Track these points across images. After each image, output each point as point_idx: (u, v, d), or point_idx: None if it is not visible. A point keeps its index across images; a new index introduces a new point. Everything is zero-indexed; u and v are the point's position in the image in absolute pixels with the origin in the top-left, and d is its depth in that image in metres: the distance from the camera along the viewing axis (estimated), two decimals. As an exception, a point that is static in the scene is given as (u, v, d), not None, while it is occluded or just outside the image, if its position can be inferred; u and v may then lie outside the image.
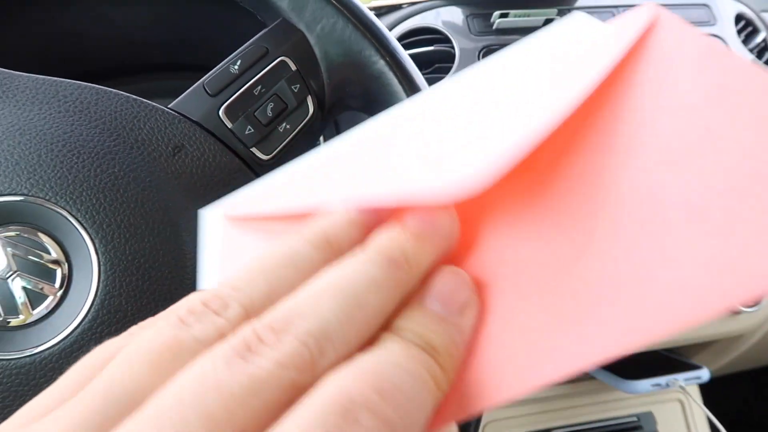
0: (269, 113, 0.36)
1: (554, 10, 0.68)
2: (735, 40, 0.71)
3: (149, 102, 0.35)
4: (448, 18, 0.68)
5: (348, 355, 0.15)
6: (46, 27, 0.62)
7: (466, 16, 0.68)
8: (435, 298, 0.17)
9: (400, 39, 0.68)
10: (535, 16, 0.68)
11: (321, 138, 0.77)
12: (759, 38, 0.73)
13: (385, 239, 0.17)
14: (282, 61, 0.37)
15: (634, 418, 0.77)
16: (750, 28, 0.74)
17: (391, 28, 0.68)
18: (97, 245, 0.32)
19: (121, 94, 0.35)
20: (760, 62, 0.72)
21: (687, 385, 0.66)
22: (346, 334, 0.15)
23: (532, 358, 0.16)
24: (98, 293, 0.31)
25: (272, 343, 0.14)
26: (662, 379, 0.66)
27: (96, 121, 0.34)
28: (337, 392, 0.14)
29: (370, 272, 0.16)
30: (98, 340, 0.31)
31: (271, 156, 0.36)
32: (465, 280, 0.17)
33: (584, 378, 0.75)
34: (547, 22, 0.69)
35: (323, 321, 0.15)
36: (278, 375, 0.14)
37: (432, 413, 0.15)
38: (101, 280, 0.31)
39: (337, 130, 0.78)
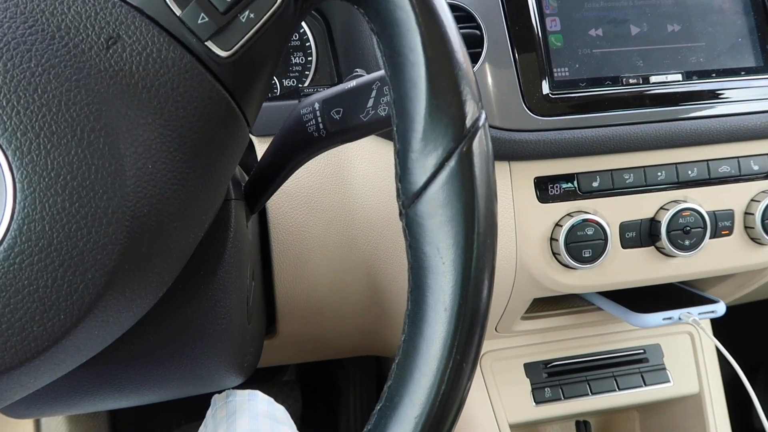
0: (228, -2, 0.29)
1: None
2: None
3: (75, -20, 0.28)
4: None
5: None
6: None
7: None
8: None
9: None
10: None
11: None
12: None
13: None
14: (244, -69, 0.30)
15: (641, 351, 0.73)
16: None
17: None
18: (10, 158, 0.26)
19: (39, -31, 0.28)
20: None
21: (701, 319, 0.61)
22: None
23: None
24: (15, 217, 0.26)
25: None
26: (675, 313, 0.62)
27: (5, 3, 0.27)
28: None
29: None
30: (17, 274, 0.26)
31: (231, 52, 0.30)
32: None
33: (589, 309, 0.71)
34: None
35: None
36: None
37: None
38: (17, 201, 0.26)
39: (330, 33, 0.70)
